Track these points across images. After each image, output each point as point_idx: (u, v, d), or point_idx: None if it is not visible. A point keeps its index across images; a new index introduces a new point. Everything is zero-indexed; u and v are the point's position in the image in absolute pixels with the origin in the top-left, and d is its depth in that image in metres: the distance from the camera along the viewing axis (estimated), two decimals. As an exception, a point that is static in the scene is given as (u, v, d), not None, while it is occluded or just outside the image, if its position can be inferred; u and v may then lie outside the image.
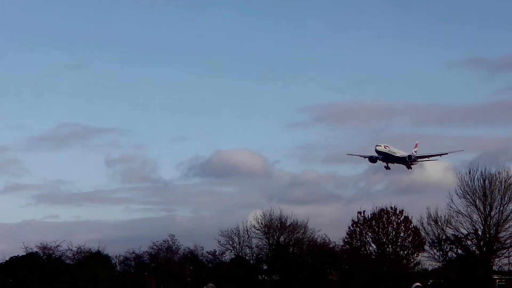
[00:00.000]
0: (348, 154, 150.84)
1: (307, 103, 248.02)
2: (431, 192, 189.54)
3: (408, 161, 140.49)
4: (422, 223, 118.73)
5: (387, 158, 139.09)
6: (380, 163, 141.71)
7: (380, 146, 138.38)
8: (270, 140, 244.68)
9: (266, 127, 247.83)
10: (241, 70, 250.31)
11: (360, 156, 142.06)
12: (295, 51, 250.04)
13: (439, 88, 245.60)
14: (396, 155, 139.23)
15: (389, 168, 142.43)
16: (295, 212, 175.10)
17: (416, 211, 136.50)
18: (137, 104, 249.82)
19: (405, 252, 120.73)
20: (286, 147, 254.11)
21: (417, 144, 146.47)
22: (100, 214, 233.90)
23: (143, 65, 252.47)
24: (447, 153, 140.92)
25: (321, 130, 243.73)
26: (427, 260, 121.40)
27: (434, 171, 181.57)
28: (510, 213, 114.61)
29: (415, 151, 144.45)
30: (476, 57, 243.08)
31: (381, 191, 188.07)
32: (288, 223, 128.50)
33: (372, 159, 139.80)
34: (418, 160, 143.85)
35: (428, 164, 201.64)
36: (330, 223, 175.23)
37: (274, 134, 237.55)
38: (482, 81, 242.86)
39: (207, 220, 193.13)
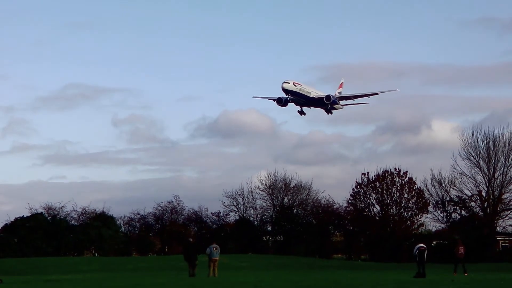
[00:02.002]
0: (254, 97, 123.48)
1: (313, 63, 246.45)
2: (438, 153, 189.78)
3: (327, 103, 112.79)
4: (426, 185, 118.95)
5: (299, 99, 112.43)
6: (293, 108, 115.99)
7: (288, 83, 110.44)
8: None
9: (273, 87, 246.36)
10: (247, 30, 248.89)
11: (269, 98, 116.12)
12: (301, 10, 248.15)
13: (448, 49, 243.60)
14: (311, 96, 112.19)
15: (304, 113, 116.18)
16: (302, 173, 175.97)
17: (423, 172, 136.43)
18: (144, 64, 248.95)
19: (409, 213, 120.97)
20: (293, 108, 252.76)
21: (342, 83, 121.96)
22: (107, 175, 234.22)
23: (150, 24, 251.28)
24: (377, 93, 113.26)
25: (328, 90, 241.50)
26: (431, 221, 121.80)
27: (441, 132, 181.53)
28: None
29: (339, 92, 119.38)
30: (487, 17, 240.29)
31: (387, 152, 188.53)
32: (292, 184, 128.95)
33: (281, 101, 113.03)
34: (342, 103, 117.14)
35: (435, 125, 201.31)
36: (336, 183, 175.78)
37: (281, 94, 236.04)
38: (492, 41, 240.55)
39: (213, 180, 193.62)
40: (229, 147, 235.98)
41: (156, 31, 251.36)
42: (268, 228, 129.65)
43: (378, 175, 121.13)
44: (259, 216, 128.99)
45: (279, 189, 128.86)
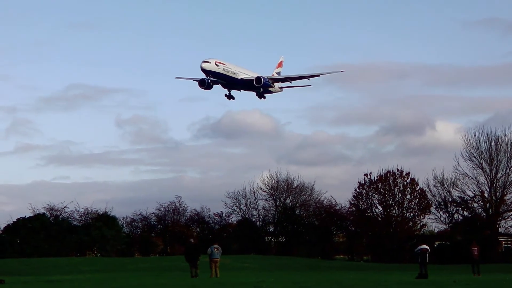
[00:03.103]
0: (176, 78, 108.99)
1: (317, 64, 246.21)
2: (442, 154, 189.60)
3: (257, 86, 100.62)
4: (429, 185, 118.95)
5: (224, 81, 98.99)
6: (220, 91, 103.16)
7: (208, 62, 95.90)
8: (280, 101, 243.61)
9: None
10: (249, 30, 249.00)
11: (193, 80, 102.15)
12: (303, 10, 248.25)
13: (451, 49, 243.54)
14: (239, 77, 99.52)
15: (232, 98, 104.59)
16: (304, 174, 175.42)
17: (427, 173, 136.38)
18: (147, 64, 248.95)
19: (411, 214, 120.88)
20: (296, 108, 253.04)
21: (281, 62, 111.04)
22: (110, 175, 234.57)
23: (153, 24, 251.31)
24: (318, 75, 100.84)
25: (332, 91, 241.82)
26: (433, 222, 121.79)
27: (444, 133, 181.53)
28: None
29: (277, 72, 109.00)
30: (490, 17, 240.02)
31: (391, 152, 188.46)
32: (294, 185, 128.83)
33: (204, 84, 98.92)
34: (277, 84, 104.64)
35: (439, 126, 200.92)
36: (339, 184, 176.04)
37: (285, 94, 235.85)
38: (495, 41, 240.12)
39: (215, 181, 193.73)
40: (232, 148, 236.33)
41: (158, 31, 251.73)
42: (270, 229, 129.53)
43: (380, 176, 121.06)
44: (261, 216, 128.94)
45: (281, 189, 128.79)
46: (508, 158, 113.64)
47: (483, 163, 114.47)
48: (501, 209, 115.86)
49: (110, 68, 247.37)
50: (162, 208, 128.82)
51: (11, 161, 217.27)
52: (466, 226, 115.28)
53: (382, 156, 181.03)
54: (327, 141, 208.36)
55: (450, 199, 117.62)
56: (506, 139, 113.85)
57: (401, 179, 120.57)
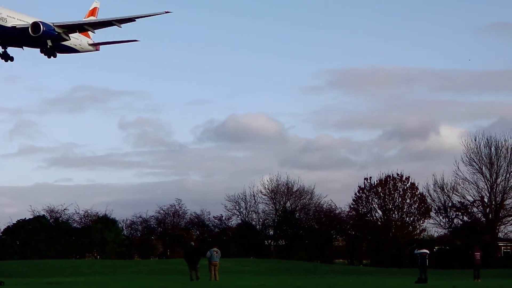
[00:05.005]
0: None
1: (323, 68, 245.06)
2: (445, 159, 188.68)
3: (35, 37, 71.70)
4: (428, 190, 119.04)
5: None
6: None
7: None
8: (285, 105, 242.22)
9: (281, 92, 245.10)
10: (256, 33, 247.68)
11: None
12: (311, 14, 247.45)
13: (459, 54, 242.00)
14: (9, 25, 72.47)
15: (10, 59, 78.54)
16: (308, 178, 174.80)
17: (428, 177, 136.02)
18: (153, 66, 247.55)
19: (411, 218, 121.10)
20: (301, 112, 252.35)
21: (95, 8, 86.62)
22: (113, 178, 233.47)
23: (160, 27, 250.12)
24: (134, 20, 74.62)
25: (337, 95, 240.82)
26: (432, 227, 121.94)
27: (448, 138, 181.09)
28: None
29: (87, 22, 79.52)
30: (498, 22, 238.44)
31: (394, 157, 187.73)
32: (294, 189, 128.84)
33: None
34: (86, 39, 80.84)
35: (443, 131, 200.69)
36: (342, 188, 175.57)
37: (290, 98, 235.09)
38: (503, 46, 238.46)
39: (218, 184, 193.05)
40: (236, 151, 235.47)
41: (165, 33, 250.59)
42: (270, 232, 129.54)
43: (380, 180, 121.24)
44: (261, 220, 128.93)
45: (281, 193, 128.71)
46: (508, 163, 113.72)
47: (483, 168, 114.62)
48: (500, 214, 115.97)
49: (115, 70, 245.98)
50: (162, 211, 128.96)
51: (15, 162, 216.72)
52: (466, 231, 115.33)
53: (385, 161, 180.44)
54: (331, 145, 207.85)
55: (450, 204, 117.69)
56: (507, 144, 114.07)
57: (401, 183, 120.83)
